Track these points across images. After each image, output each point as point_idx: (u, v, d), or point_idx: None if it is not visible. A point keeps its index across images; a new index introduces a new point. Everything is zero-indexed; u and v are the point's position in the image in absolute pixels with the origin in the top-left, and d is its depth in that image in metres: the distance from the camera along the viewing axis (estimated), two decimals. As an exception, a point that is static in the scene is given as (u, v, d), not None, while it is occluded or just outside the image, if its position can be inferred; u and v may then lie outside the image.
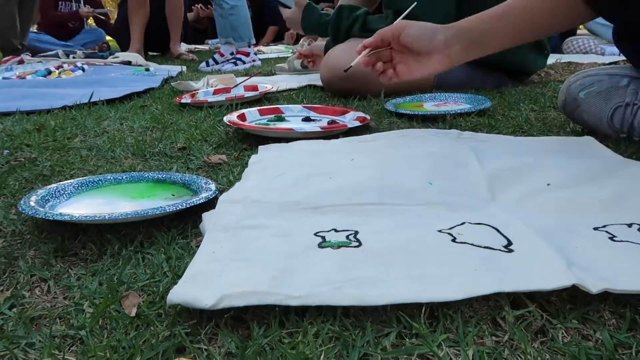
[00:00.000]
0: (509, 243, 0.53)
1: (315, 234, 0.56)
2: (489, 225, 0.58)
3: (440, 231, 0.57)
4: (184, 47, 4.24)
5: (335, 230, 0.57)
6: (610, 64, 2.13)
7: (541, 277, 0.46)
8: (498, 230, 0.56)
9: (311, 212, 0.63)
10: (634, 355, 0.39)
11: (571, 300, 0.45)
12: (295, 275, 0.48)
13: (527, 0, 0.84)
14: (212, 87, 1.78)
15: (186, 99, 1.53)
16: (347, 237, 0.56)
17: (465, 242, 0.54)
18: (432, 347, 0.40)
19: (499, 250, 0.52)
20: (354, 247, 0.53)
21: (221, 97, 1.56)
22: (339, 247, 0.53)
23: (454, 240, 0.54)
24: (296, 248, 0.53)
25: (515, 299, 0.45)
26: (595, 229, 0.57)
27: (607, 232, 0.56)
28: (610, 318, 0.43)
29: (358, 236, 0.56)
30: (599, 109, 0.93)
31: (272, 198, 0.67)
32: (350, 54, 1.51)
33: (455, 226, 0.58)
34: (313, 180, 0.73)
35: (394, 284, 0.46)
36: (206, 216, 0.64)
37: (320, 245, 0.54)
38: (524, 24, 0.86)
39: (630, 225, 0.58)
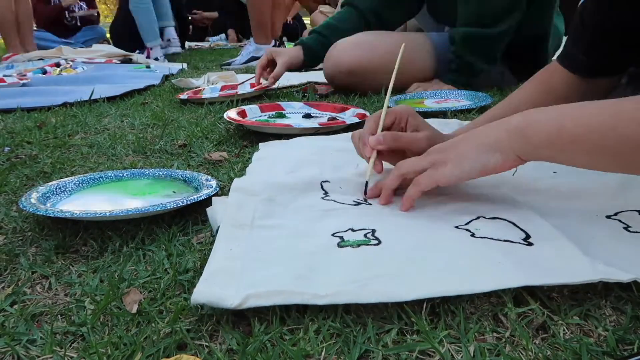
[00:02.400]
0: (528, 236, 0.54)
1: (333, 235, 0.56)
2: (505, 220, 0.58)
3: (457, 227, 0.57)
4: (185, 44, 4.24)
5: (352, 230, 0.57)
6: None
7: (566, 271, 0.46)
8: (514, 224, 0.56)
9: (325, 213, 0.62)
10: (636, 351, 0.39)
11: (572, 297, 0.45)
12: (319, 275, 0.47)
13: (516, 109, 0.73)
14: (213, 84, 1.78)
15: (185, 96, 1.53)
16: (365, 235, 0.55)
17: (484, 237, 0.54)
18: (433, 344, 0.40)
19: (519, 243, 0.52)
20: (374, 245, 0.53)
21: (215, 94, 1.56)
22: (358, 245, 0.53)
23: (472, 235, 0.54)
24: (315, 248, 0.53)
25: (517, 296, 0.45)
26: (608, 217, 0.58)
27: (620, 220, 0.57)
28: (612, 314, 0.43)
29: (376, 234, 0.55)
30: None
31: (286, 200, 0.66)
32: (355, 49, 1.51)
33: (471, 221, 0.58)
34: (324, 182, 0.73)
35: (419, 279, 0.46)
36: (217, 201, 0.64)
37: (339, 245, 0.53)
38: None
39: None
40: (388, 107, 0.71)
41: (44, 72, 2.30)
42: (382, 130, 0.69)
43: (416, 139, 0.68)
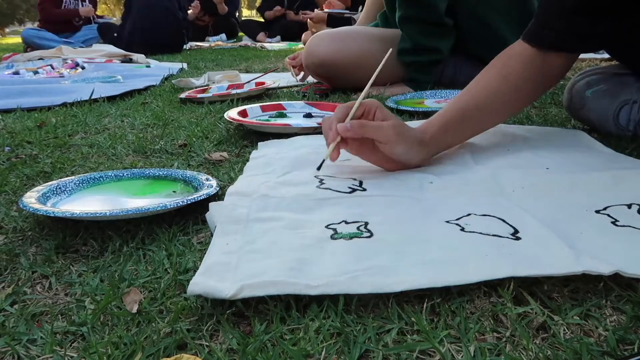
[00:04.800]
0: (516, 231, 0.54)
1: (327, 227, 0.57)
2: (495, 217, 0.58)
3: (447, 222, 0.58)
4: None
5: (346, 222, 0.58)
6: (608, 59, 2.13)
7: (550, 263, 0.47)
8: (504, 221, 0.57)
9: (319, 202, 0.64)
10: (636, 351, 0.39)
11: (572, 297, 0.45)
12: (311, 266, 0.49)
13: (475, 99, 0.81)
14: (217, 83, 1.78)
15: (184, 95, 1.53)
16: (358, 228, 0.57)
17: (473, 232, 0.55)
18: (433, 343, 0.40)
19: (507, 237, 0.53)
20: (366, 237, 0.54)
21: (209, 93, 1.56)
22: (351, 238, 0.54)
23: (462, 230, 0.55)
24: (309, 240, 0.54)
25: (517, 295, 0.45)
26: (597, 211, 0.59)
27: (608, 215, 0.58)
28: (612, 314, 0.43)
29: (369, 227, 0.57)
30: (605, 107, 0.93)
31: (280, 193, 0.68)
32: (330, 42, 1.53)
33: (461, 217, 0.59)
34: (317, 179, 0.74)
35: (408, 271, 0.47)
36: (213, 206, 0.64)
37: (332, 237, 0.54)
38: (487, 116, 0.83)
39: (630, 206, 0.60)
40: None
41: (35, 73, 2.29)
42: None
43: (382, 127, 0.71)
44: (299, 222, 0.59)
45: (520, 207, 0.60)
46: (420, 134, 0.75)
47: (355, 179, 0.73)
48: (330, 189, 0.68)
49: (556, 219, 0.57)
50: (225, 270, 0.48)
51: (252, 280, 0.45)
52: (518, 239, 0.53)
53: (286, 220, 0.59)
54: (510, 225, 0.56)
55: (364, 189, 0.68)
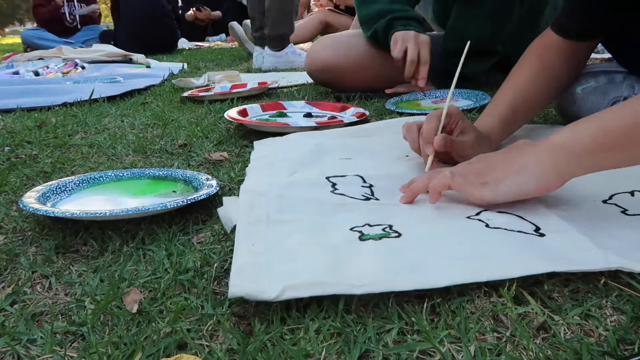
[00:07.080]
0: (538, 228, 0.55)
1: (351, 229, 0.57)
2: (512, 213, 0.59)
3: (469, 217, 0.58)
4: (185, 44, 4.25)
5: (369, 225, 0.58)
6: (608, 59, 2.13)
7: (583, 261, 0.47)
8: (522, 217, 0.58)
9: (336, 207, 0.63)
10: (637, 351, 0.39)
11: (573, 297, 0.45)
12: (349, 266, 0.48)
13: (523, 92, 0.85)
14: (217, 83, 1.78)
15: (186, 94, 1.54)
16: (384, 229, 0.56)
17: (498, 227, 0.55)
18: (433, 343, 0.40)
19: (532, 234, 0.54)
20: (395, 237, 0.54)
21: (208, 92, 1.56)
22: (380, 238, 0.54)
23: (487, 226, 0.56)
24: (338, 241, 0.54)
25: (517, 295, 0.45)
26: (604, 202, 0.61)
27: (616, 204, 0.60)
28: (612, 314, 0.43)
29: (394, 228, 0.57)
30: (595, 104, 0.94)
31: (294, 194, 0.67)
32: (331, 48, 1.52)
33: (480, 212, 0.59)
34: (328, 177, 0.75)
35: (448, 265, 0.48)
36: (228, 202, 0.64)
37: (361, 239, 0.54)
38: (532, 108, 0.88)
39: (632, 194, 0.63)
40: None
41: (36, 74, 2.28)
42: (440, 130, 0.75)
43: (464, 145, 0.76)
44: (320, 225, 0.58)
45: (531, 203, 0.60)
46: (488, 137, 0.82)
47: (364, 185, 0.72)
48: (344, 195, 0.68)
49: (570, 213, 0.58)
50: (257, 271, 0.48)
51: (293, 282, 0.45)
52: (542, 235, 0.53)
53: (307, 223, 0.58)
54: (530, 222, 0.56)
55: (377, 199, 0.67)
